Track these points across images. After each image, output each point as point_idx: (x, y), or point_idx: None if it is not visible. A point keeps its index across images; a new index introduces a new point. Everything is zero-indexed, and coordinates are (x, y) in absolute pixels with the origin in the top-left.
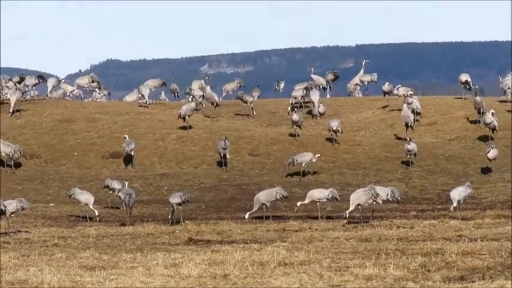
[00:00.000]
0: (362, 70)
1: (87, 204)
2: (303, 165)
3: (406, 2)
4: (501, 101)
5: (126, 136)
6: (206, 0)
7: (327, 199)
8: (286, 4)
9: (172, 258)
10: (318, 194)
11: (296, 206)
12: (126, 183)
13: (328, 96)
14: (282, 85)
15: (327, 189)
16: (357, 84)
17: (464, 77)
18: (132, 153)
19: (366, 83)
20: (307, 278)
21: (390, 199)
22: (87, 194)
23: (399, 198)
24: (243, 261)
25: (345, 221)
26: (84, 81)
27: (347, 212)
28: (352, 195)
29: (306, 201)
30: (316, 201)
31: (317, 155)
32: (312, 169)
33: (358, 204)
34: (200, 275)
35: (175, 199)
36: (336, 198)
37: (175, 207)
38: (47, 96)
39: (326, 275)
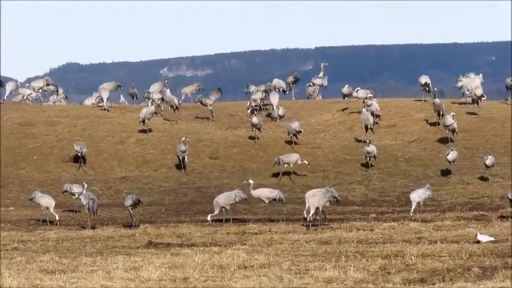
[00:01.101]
0: (322, 73)
1: (48, 208)
2: (290, 165)
3: (365, 4)
4: (460, 103)
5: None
6: (165, 1)
7: (274, 199)
8: (244, 6)
9: (132, 261)
10: (268, 193)
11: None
12: (85, 185)
13: (293, 98)
14: (252, 88)
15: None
16: (310, 85)
17: (423, 79)
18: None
19: (318, 86)
20: (267, 281)
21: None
22: (48, 198)
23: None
24: (203, 264)
25: (307, 223)
26: (39, 84)
27: (309, 215)
28: (311, 199)
29: (254, 194)
30: (265, 200)
31: (304, 161)
32: (272, 171)
33: (317, 208)
34: (160, 278)
35: (128, 201)
36: (282, 200)
37: (130, 210)
38: (4, 100)
39: (286, 277)
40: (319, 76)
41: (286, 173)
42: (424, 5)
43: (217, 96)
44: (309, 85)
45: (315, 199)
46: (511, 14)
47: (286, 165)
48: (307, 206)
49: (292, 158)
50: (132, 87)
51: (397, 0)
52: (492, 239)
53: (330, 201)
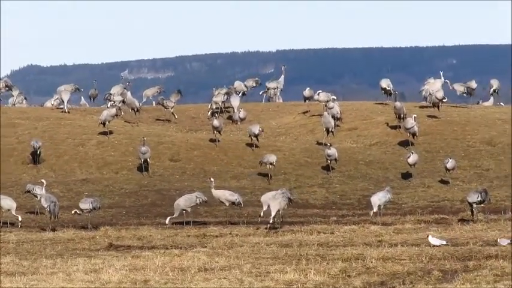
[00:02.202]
0: (282, 76)
1: (9, 210)
2: (274, 165)
3: (326, 7)
4: (421, 107)
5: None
6: (126, 3)
7: (233, 203)
8: (206, 8)
9: (93, 263)
10: (229, 196)
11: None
12: (44, 182)
13: (263, 101)
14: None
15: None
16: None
17: (384, 83)
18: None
19: (273, 90)
20: (228, 284)
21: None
22: (10, 200)
23: None
24: (164, 267)
25: (269, 226)
26: None
27: (271, 217)
28: (271, 202)
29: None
30: (225, 202)
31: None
32: (233, 174)
33: (279, 210)
34: (120, 280)
35: (86, 205)
36: (240, 204)
37: (85, 213)
38: None
39: (246, 280)
40: (273, 80)
41: (265, 175)
42: (385, 8)
43: (177, 98)
44: (263, 92)
45: (276, 202)
46: (472, 18)
47: (269, 165)
48: (264, 208)
49: (273, 158)
50: (94, 89)
51: (359, 1)
52: (444, 242)
53: (288, 203)
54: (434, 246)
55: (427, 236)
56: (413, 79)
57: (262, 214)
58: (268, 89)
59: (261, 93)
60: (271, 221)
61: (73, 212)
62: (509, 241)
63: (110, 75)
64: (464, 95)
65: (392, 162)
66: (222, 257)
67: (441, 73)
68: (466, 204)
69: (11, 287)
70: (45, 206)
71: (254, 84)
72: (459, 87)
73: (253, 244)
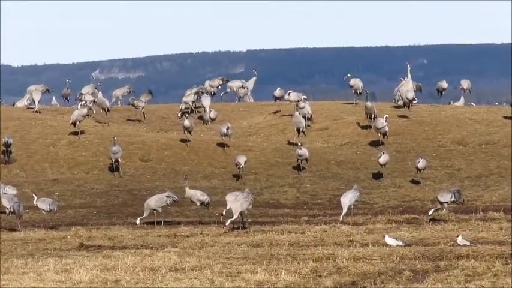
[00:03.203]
0: (253, 78)
1: None
2: (242, 166)
3: (297, 7)
4: (392, 106)
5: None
6: (96, 3)
7: (203, 203)
8: (176, 8)
9: (64, 263)
10: (200, 196)
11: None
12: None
13: (248, 100)
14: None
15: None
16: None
17: (353, 82)
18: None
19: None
20: (199, 284)
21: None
22: None
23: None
24: (134, 267)
25: (230, 226)
26: None
27: (232, 219)
28: (234, 204)
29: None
30: (196, 202)
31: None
32: (203, 174)
33: (241, 211)
34: (91, 280)
35: (43, 205)
36: (209, 204)
37: (44, 213)
38: None
39: (217, 280)
40: (240, 80)
41: (236, 175)
42: (355, 8)
43: (148, 98)
44: (225, 92)
45: (237, 204)
46: (443, 17)
47: (240, 166)
48: (228, 207)
49: (243, 159)
50: (67, 88)
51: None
52: (400, 243)
53: (251, 204)
54: (394, 246)
55: (384, 236)
56: (384, 79)
57: (224, 213)
58: (229, 89)
59: (221, 94)
60: (227, 223)
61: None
62: (468, 242)
63: (80, 75)
64: (417, 92)
65: (363, 162)
66: (193, 257)
67: (408, 69)
68: (436, 204)
69: None
70: (8, 206)
71: (221, 83)
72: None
73: (224, 244)
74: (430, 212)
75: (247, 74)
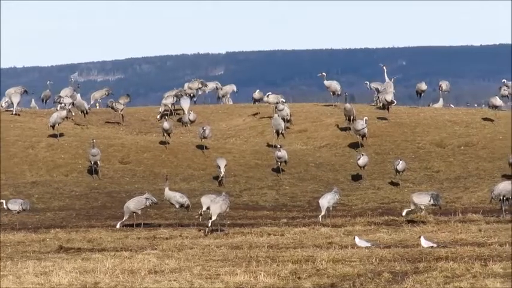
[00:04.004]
0: (233, 87)
1: None
2: (222, 171)
3: (276, 9)
4: (377, 108)
5: None
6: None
7: (182, 205)
8: (155, 9)
9: (43, 266)
10: (179, 198)
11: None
12: None
13: (227, 102)
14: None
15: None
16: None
17: (328, 83)
18: None
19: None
20: (178, 286)
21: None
22: None
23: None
24: (114, 269)
25: (208, 230)
26: None
27: (210, 221)
28: (212, 206)
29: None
30: (175, 204)
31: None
32: (183, 176)
33: (219, 214)
34: (70, 283)
35: (15, 206)
36: (189, 206)
37: (17, 213)
38: None
39: (197, 282)
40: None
41: (216, 177)
42: (334, 10)
43: (126, 100)
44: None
45: (216, 206)
46: (422, 19)
47: (218, 169)
48: (204, 208)
49: (222, 162)
50: (48, 90)
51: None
52: (368, 244)
53: (229, 207)
54: (360, 247)
55: (354, 238)
56: (363, 81)
57: (202, 212)
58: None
59: (195, 99)
60: (209, 224)
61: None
62: (434, 244)
63: (60, 77)
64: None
65: (343, 164)
66: (172, 259)
67: (385, 71)
68: (410, 204)
69: None
70: None
71: (200, 86)
72: (376, 85)
73: (203, 246)
74: (404, 213)
75: (226, 76)
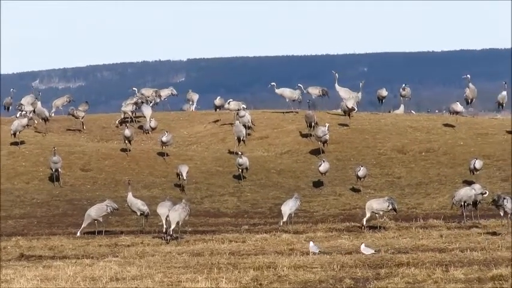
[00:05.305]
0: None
1: None
2: (185, 177)
3: (235, 14)
4: (333, 114)
5: None
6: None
7: (142, 213)
8: (115, 17)
9: (4, 274)
10: (141, 205)
11: None
12: None
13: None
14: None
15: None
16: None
17: (280, 91)
18: None
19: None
20: None
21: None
22: None
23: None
24: (75, 277)
25: (167, 237)
26: None
27: (170, 229)
28: (171, 213)
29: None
30: (136, 212)
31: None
32: (144, 184)
33: (178, 222)
34: None
35: None
36: (148, 215)
37: None
38: None
39: None
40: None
41: (178, 185)
42: (295, 17)
43: (86, 108)
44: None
45: (175, 214)
46: (383, 26)
47: (180, 176)
48: (163, 219)
49: (185, 169)
50: (10, 97)
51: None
52: (317, 251)
53: (188, 215)
54: (313, 253)
55: (309, 242)
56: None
57: (165, 225)
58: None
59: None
60: (168, 232)
61: None
62: (373, 251)
63: (20, 85)
64: (322, 97)
65: (304, 171)
66: (134, 267)
67: (336, 77)
68: (366, 212)
69: None
70: None
71: (154, 94)
72: (314, 90)
73: (164, 253)
74: (364, 223)
75: (187, 83)
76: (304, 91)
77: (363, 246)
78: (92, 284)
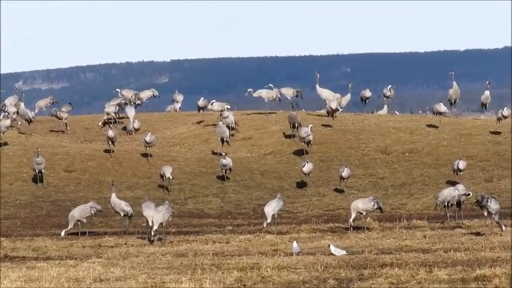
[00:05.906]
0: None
1: None
2: (169, 176)
3: (218, 16)
4: (317, 115)
5: None
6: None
7: (126, 214)
8: (98, 18)
9: None
10: (124, 206)
11: None
12: None
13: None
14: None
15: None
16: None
17: (258, 93)
18: None
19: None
20: None
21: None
22: None
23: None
24: (59, 278)
25: (152, 238)
26: None
27: (153, 231)
28: (156, 215)
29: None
30: (120, 212)
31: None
32: (127, 184)
33: (161, 223)
34: None
35: None
36: (132, 216)
37: None
38: None
39: None
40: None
41: (161, 186)
42: (278, 18)
43: (69, 109)
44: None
45: (159, 215)
46: (366, 26)
47: (168, 176)
48: (150, 221)
49: (169, 170)
50: None
51: (251, 10)
52: (298, 250)
53: (171, 216)
54: (296, 253)
55: (293, 242)
56: (307, 88)
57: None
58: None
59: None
60: (153, 233)
61: None
62: (344, 252)
63: (4, 86)
64: (295, 98)
65: (287, 172)
66: (118, 268)
67: (317, 78)
68: (351, 212)
69: None
70: None
71: (134, 97)
72: (288, 91)
73: (148, 254)
74: (352, 223)
75: (171, 84)
76: (278, 93)
77: (332, 247)
78: (75, 285)
